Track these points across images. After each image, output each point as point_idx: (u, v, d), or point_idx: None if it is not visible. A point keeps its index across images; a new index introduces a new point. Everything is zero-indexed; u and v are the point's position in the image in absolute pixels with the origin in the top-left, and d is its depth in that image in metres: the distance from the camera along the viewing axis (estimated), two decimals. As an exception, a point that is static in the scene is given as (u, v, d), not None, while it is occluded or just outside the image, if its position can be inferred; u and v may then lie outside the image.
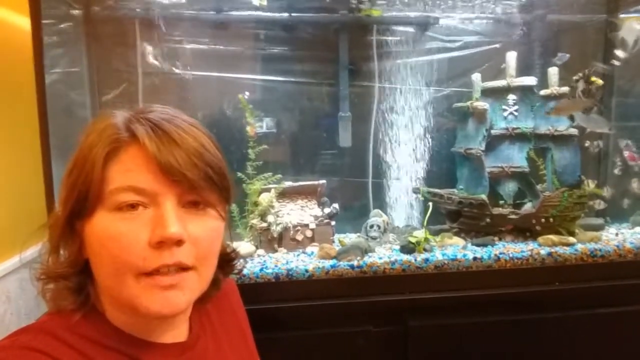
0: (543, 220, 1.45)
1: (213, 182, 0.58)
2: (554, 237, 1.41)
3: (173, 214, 0.55)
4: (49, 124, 1.19)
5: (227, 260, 0.71)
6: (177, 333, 0.64)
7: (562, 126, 1.50)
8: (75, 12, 1.45)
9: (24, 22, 1.17)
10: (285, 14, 1.55)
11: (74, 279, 0.58)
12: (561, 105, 1.45)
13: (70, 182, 0.56)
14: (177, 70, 1.56)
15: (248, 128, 1.49)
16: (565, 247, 1.38)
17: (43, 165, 1.16)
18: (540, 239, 1.42)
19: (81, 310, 0.57)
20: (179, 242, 0.55)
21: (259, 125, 1.53)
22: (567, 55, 1.52)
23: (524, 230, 1.49)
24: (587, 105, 1.43)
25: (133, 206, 0.54)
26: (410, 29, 1.66)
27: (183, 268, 0.56)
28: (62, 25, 1.39)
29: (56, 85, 1.30)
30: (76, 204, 0.55)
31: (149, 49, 1.53)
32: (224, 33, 1.58)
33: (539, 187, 1.55)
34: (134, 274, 0.54)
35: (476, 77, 1.55)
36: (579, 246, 1.39)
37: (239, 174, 1.44)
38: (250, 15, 1.57)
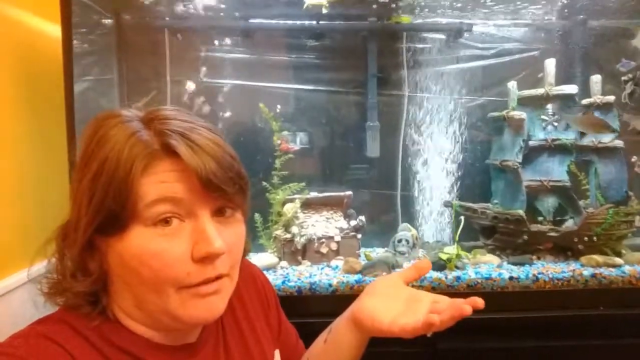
0: (586, 238, 1.34)
1: (242, 191, 0.59)
2: (598, 257, 1.30)
3: (213, 228, 0.55)
4: (78, 131, 1.20)
5: None
6: (190, 336, 0.64)
7: (607, 138, 1.40)
8: (107, 21, 1.48)
9: (56, 30, 1.19)
10: (313, 22, 1.53)
11: (92, 295, 0.57)
12: (582, 119, 1.37)
13: (98, 200, 0.53)
14: (204, 79, 1.56)
15: (279, 142, 1.46)
16: (610, 269, 1.27)
17: (70, 171, 1.17)
18: (583, 259, 1.32)
19: (98, 319, 0.57)
20: (220, 255, 0.55)
21: (285, 138, 1.49)
22: (633, 63, 1.42)
23: (564, 249, 1.38)
24: (607, 130, 1.34)
25: (167, 221, 0.53)
26: (442, 36, 1.60)
27: (221, 276, 0.57)
28: (93, 34, 1.41)
29: (88, 93, 1.31)
30: (105, 221, 0.53)
31: (178, 57, 1.54)
32: (252, 42, 1.57)
33: (581, 203, 1.45)
34: (176, 287, 0.54)
35: (512, 85, 1.48)
36: (627, 268, 1.27)
37: (264, 184, 1.41)
38: (278, 24, 1.56)
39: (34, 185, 1.17)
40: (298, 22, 1.54)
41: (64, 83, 1.18)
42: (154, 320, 0.58)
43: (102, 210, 0.53)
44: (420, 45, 1.59)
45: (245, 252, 0.68)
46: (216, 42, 1.57)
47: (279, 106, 1.53)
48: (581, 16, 1.60)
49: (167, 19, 1.51)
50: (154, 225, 0.53)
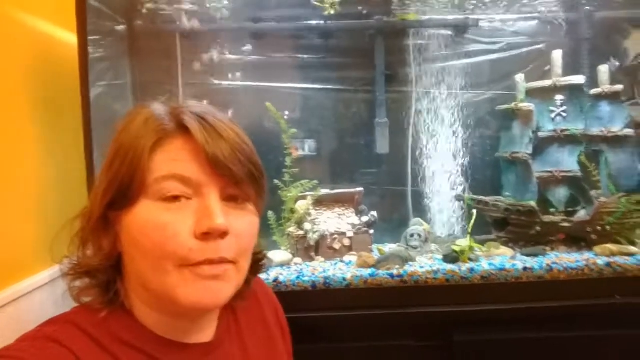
0: (599, 228, 1.34)
1: (254, 178, 0.59)
2: (612, 246, 1.30)
3: (218, 206, 0.55)
4: (94, 135, 1.23)
5: (255, 260, 0.69)
6: (204, 334, 0.63)
7: (616, 127, 1.40)
8: (120, 27, 1.51)
9: (72, 38, 1.23)
10: (321, 21, 1.55)
11: (104, 274, 0.57)
12: None
13: (112, 173, 0.55)
14: (215, 81, 1.59)
15: (290, 151, 1.47)
16: (625, 257, 1.27)
17: (87, 172, 1.20)
18: (597, 249, 1.32)
19: (109, 308, 0.57)
20: (223, 234, 0.55)
21: (295, 146, 1.51)
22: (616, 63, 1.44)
23: (578, 239, 1.38)
24: None
25: (176, 197, 0.54)
26: (448, 32, 1.61)
27: (225, 261, 0.56)
28: (107, 40, 1.45)
29: (102, 98, 1.34)
30: (117, 194, 0.55)
31: (189, 61, 1.57)
32: (261, 43, 1.60)
33: (593, 193, 1.45)
34: (177, 264, 0.53)
35: (520, 77, 1.48)
36: (642, 256, 1.27)
37: (276, 181, 1.43)
38: (286, 25, 1.59)
39: (54, 187, 1.20)
40: (305, 22, 1.56)
41: (80, 88, 1.22)
42: (159, 303, 0.57)
43: (115, 182, 0.55)
44: (427, 42, 1.61)
45: (258, 246, 0.66)
46: (224, 45, 1.60)
47: (287, 108, 1.56)
48: (587, 8, 1.60)
49: (177, 23, 1.54)
50: (162, 200, 0.54)
